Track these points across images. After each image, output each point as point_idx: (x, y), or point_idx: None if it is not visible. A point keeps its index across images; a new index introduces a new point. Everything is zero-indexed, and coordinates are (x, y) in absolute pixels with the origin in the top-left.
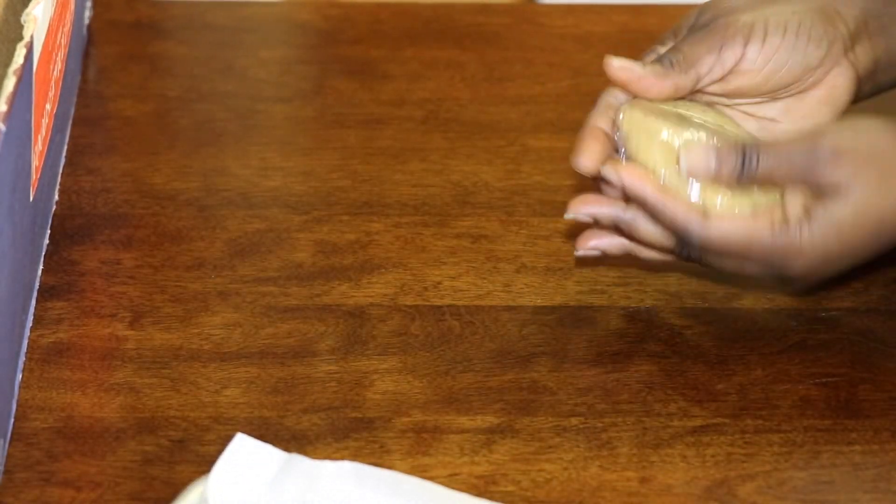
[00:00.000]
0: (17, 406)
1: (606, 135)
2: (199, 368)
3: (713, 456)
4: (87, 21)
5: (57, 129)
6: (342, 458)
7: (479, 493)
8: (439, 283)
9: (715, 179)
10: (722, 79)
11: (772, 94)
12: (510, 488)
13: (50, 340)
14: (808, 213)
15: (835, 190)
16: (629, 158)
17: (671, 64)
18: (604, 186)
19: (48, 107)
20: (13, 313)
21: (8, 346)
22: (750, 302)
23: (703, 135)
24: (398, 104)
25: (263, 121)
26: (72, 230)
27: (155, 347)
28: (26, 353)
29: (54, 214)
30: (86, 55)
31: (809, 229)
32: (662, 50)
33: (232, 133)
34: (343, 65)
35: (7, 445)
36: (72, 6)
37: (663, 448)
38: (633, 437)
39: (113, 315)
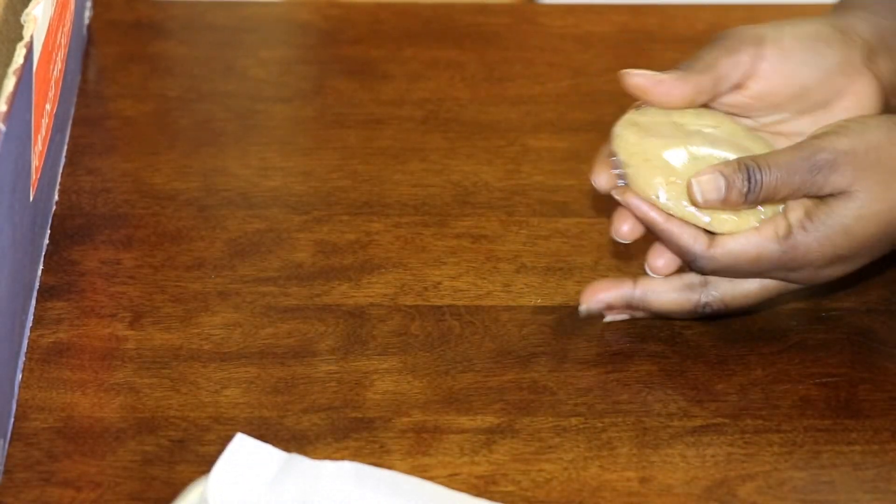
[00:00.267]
0: (17, 406)
1: None
2: (199, 368)
3: (713, 456)
4: (87, 21)
5: (57, 129)
6: (342, 458)
7: (479, 493)
8: (439, 283)
9: (725, 205)
10: (742, 85)
11: (796, 104)
12: (510, 488)
13: (50, 340)
14: (810, 217)
15: (838, 194)
16: (628, 182)
17: (690, 68)
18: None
19: (48, 107)
20: (13, 313)
21: (8, 346)
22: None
23: (704, 149)
24: (398, 104)
25: (263, 121)
26: (72, 230)
27: (155, 347)
28: (26, 353)
29: (54, 214)
30: (86, 55)
31: (815, 232)
32: None
33: (232, 133)
34: (343, 65)
35: (7, 445)
36: (72, 6)
37: (663, 448)
38: (633, 437)
39: (113, 315)
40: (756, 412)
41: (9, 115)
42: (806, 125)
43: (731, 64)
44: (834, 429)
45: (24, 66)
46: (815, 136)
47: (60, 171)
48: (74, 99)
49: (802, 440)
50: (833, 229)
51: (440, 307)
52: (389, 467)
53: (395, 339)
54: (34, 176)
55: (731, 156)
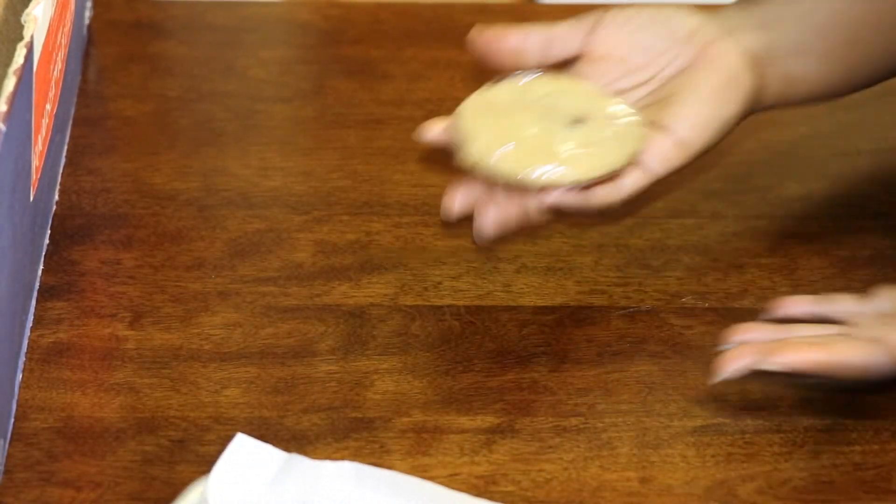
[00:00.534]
0: (17, 406)
1: None
2: (199, 368)
3: (713, 456)
4: (87, 21)
5: (57, 129)
6: (342, 458)
7: (479, 493)
8: (439, 283)
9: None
10: (585, 52)
11: (645, 69)
12: (510, 488)
13: (50, 340)
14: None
15: None
16: (469, 156)
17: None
18: None
19: (48, 107)
20: (13, 313)
21: (8, 346)
22: (750, 302)
23: (546, 114)
24: (398, 104)
25: (263, 121)
26: (72, 230)
27: (155, 347)
28: (26, 353)
29: (54, 214)
30: (86, 55)
31: None
32: None
33: (232, 133)
34: (343, 65)
35: (7, 445)
36: (72, 6)
37: (663, 448)
38: (633, 437)
39: (113, 315)
40: (756, 412)
41: (9, 115)
42: (662, 90)
43: (567, 27)
44: (834, 429)
45: (25, 66)
46: None
47: (60, 171)
48: (74, 99)
49: (802, 440)
50: None
51: (440, 307)
52: (389, 467)
53: (396, 339)
54: (34, 176)
55: (571, 116)
